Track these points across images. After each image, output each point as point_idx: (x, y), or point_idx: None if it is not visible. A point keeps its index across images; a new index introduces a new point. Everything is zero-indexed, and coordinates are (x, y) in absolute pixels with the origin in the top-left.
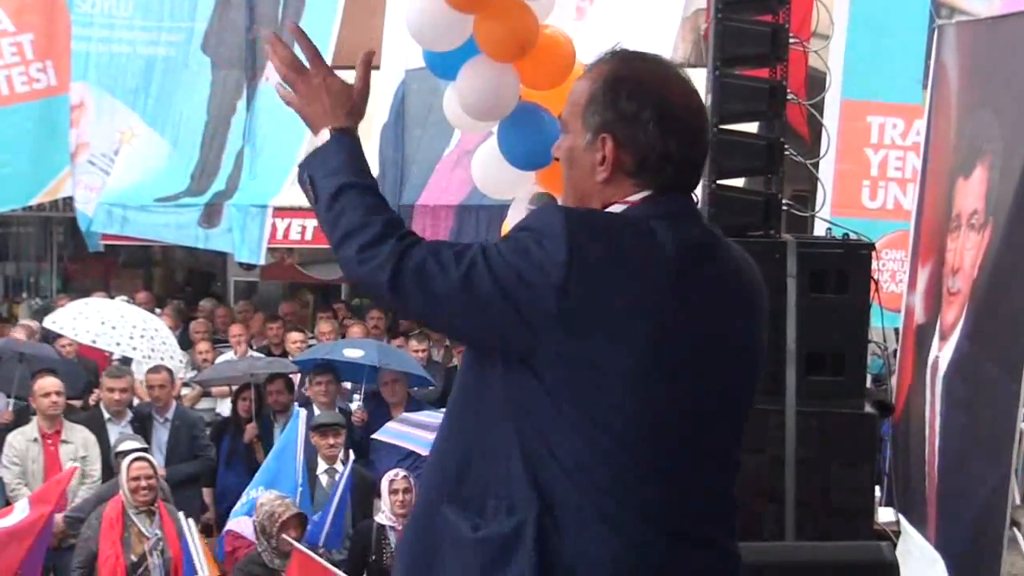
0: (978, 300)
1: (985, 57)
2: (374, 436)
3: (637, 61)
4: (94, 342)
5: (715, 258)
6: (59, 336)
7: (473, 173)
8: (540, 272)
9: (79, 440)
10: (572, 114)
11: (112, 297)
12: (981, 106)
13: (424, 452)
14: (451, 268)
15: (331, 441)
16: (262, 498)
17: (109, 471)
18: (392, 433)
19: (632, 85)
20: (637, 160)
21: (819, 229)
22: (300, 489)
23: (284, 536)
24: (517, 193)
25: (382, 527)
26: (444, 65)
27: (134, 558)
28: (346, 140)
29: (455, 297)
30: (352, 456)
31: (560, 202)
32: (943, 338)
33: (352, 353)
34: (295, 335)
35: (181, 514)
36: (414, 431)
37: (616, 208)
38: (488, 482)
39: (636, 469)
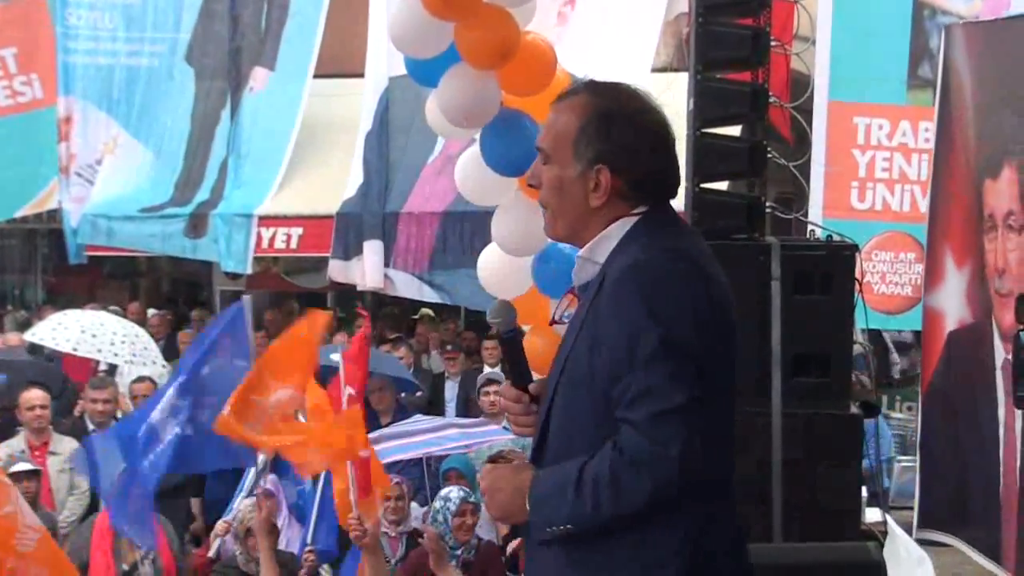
0: None
1: (999, 57)
2: None
3: (615, 92)
4: (75, 350)
5: (714, 260)
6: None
7: (456, 179)
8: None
9: (67, 452)
10: (558, 146)
11: (104, 309)
12: (1001, 107)
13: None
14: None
15: None
16: (240, 504)
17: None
18: None
19: (621, 116)
20: (633, 183)
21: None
22: (300, 488)
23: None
24: (500, 200)
25: None
26: (426, 72)
27: (125, 567)
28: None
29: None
30: None
31: (547, 224)
32: (1008, 339)
33: (338, 358)
34: None
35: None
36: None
37: (627, 221)
38: None
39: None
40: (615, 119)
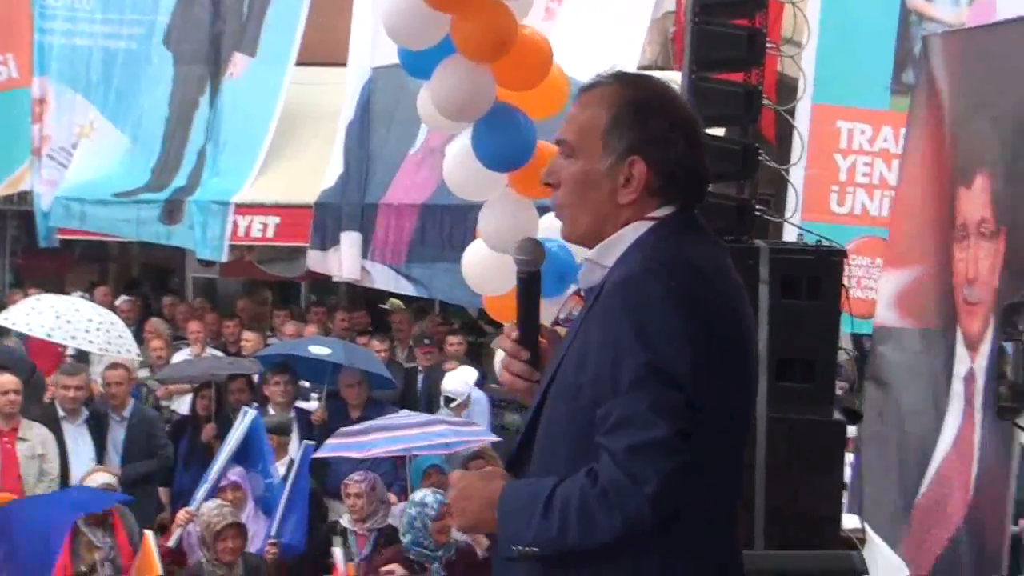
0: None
1: (976, 66)
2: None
3: (646, 83)
4: (49, 336)
5: (731, 274)
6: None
7: (444, 172)
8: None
9: (36, 438)
10: (585, 138)
11: (69, 293)
12: (976, 115)
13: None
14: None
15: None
16: (203, 508)
17: (66, 469)
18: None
19: (657, 106)
20: (665, 178)
21: (789, 233)
22: (268, 481)
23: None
24: (487, 195)
25: (344, 530)
26: (419, 64)
27: (84, 568)
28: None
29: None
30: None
31: (565, 223)
32: (973, 348)
33: (318, 350)
34: (249, 334)
35: None
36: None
37: (641, 224)
38: None
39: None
40: (651, 109)
